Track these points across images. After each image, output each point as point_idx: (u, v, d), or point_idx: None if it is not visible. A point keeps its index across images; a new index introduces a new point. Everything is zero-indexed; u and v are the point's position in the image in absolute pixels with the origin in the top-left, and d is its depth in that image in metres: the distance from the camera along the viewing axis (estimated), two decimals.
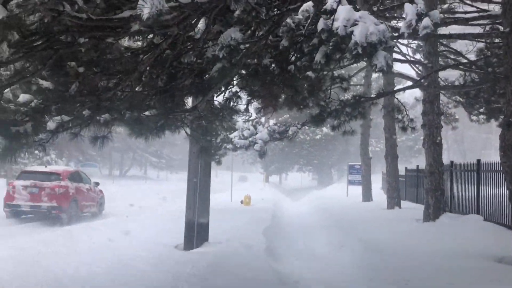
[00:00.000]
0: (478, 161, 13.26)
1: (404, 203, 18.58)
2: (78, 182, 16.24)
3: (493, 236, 10.22)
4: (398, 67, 17.38)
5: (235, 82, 7.40)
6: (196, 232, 9.39)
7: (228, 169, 26.29)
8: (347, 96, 11.03)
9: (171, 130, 7.41)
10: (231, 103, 7.55)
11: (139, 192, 30.49)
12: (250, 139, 13.19)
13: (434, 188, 12.95)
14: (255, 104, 8.17)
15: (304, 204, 26.08)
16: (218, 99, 7.51)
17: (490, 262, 7.81)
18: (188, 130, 7.64)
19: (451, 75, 18.85)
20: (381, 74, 24.78)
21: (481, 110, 19.22)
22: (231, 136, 13.80)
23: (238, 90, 7.44)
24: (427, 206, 13.02)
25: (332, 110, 10.52)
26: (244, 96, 7.63)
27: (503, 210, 11.30)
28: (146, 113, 6.93)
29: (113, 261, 7.51)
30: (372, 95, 13.96)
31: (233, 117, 7.83)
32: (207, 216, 9.63)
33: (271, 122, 13.66)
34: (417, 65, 17.80)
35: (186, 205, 9.63)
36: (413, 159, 43.19)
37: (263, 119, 13.97)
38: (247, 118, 14.26)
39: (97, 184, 18.31)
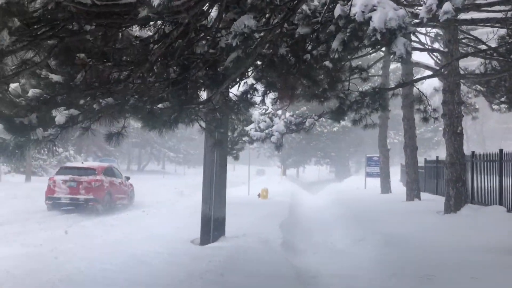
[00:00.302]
0: (501, 151, 12.92)
1: (423, 195, 18.26)
2: (111, 176, 17.68)
3: None
4: (416, 56, 17.02)
5: (250, 74, 7.22)
6: (212, 226, 9.26)
7: (245, 163, 26.21)
8: (366, 88, 10.74)
9: (185, 123, 7.26)
10: (247, 95, 7.37)
11: (156, 186, 30.52)
12: (267, 131, 13.01)
13: (455, 179, 12.65)
14: (271, 96, 7.96)
15: (322, 197, 25.85)
16: (233, 91, 7.33)
17: None
18: (203, 124, 7.48)
19: (471, 65, 18.35)
20: (399, 65, 24.38)
21: (503, 99, 18.81)
22: (247, 128, 13.64)
23: (253, 82, 7.25)
24: (448, 198, 12.73)
25: (352, 102, 10.28)
26: (260, 88, 7.44)
27: None
28: (160, 105, 6.82)
29: (127, 257, 7.41)
30: (391, 86, 13.63)
31: (249, 110, 7.64)
32: (223, 210, 9.49)
33: (288, 114, 13.42)
34: (435, 54, 17.42)
35: (202, 199, 9.50)
36: (432, 151, 42.59)
37: (279, 111, 13.77)
38: (263, 111, 14.11)
39: (128, 178, 19.77)
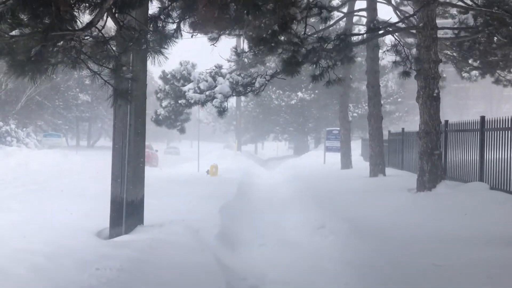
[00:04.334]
0: (482, 118, 11.05)
1: (387, 170, 16.41)
2: (150, 149, 29.03)
3: (509, 209, 8.07)
4: (382, 14, 14.91)
5: None
6: (125, 212, 6.94)
7: (207, 140, 24.44)
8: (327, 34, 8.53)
9: (63, 65, 4.88)
10: (157, 23, 5.04)
11: (101, 162, 27.65)
12: (208, 92, 10.72)
13: (430, 151, 10.71)
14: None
15: (278, 173, 23.80)
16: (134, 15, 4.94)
17: None
18: (95, 67, 5.09)
19: (446, 23, 16.46)
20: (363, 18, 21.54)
21: (476, 64, 17.10)
22: (185, 89, 11.30)
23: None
24: (422, 173, 10.80)
25: (309, 51, 8.09)
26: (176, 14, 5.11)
27: None
28: (13, 33, 4.44)
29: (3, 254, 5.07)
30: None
31: (163, 45, 5.28)
32: (140, 191, 7.17)
33: (234, 73, 11.10)
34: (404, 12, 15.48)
35: (111, 177, 7.13)
36: (394, 126, 41.02)
37: (224, 69, 11.44)
38: (205, 72, 11.78)
39: (156, 150, 32.60)
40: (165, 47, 5.28)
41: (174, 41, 5.24)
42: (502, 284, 4.29)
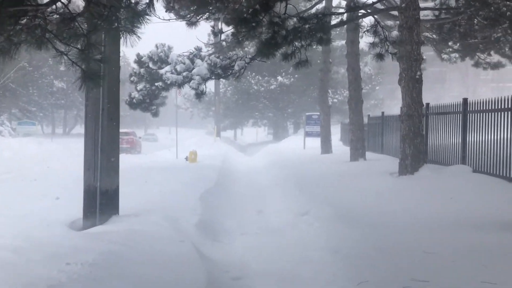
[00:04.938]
0: (465, 100, 10.92)
1: (367, 154, 16.26)
2: (134, 136, 32.00)
3: (494, 192, 7.96)
4: None
5: None
6: (98, 202, 6.58)
7: (185, 126, 24.27)
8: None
9: (27, 44, 4.48)
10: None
11: (77, 150, 26.98)
12: (185, 73, 10.34)
13: (412, 135, 10.56)
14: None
15: (258, 159, 23.55)
16: None
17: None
18: (62, 47, 4.69)
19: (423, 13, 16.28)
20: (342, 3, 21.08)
21: (456, 46, 17.01)
22: (161, 71, 10.89)
23: None
24: (404, 157, 10.64)
25: (289, 31, 7.79)
26: None
27: (501, 159, 9.07)
28: None
29: None
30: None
31: (135, 25, 4.90)
32: (115, 180, 6.80)
33: (213, 56, 10.73)
34: None
35: (84, 165, 6.75)
36: (369, 112, 40.99)
37: (203, 52, 11.07)
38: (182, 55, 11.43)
39: (140, 137, 35.25)
40: (138, 26, 4.91)
41: (147, 19, 4.87)
42: (499, 272, 4.10)
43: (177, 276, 4.41)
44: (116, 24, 4.80)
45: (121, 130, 35.70)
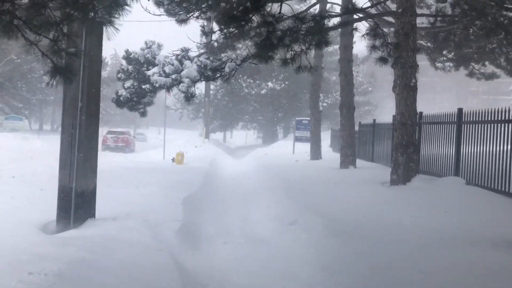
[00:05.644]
0: (460, 110, 10.64)
1: (358, 162, 15.95)
2: (128, 135, 33.09)
3: (489, 206, 7.66)
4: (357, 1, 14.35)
5: None
6: (73, 204, 6.16)
7: (175, 127, 24.01)
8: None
9: None
10: None
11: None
12: (174, 76, 9.96)
13: (405, 143, 10.24)
14: None
15: (246, 162, 23.15)
16: None
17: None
18: (32, 36, 4.28)
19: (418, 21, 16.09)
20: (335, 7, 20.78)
21: (450, 55, 16.79)
22: (149, 73, 10.50)
23: None
24: (396, 166, 10.32)
25: (284, 32, 7.44)
26: None
27: (496, 172, 8.79)
28: None
29: None
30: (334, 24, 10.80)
31: (113, 15, 4.50)
32: (92, 181, 6.39)
33: (203, 57, 10.33)
34: None
35: (59, 164, 6.32)
36: (362, 119, 40.81)
37: (192, 53, 10.68)
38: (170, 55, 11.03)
39: (134, 137, 38.02)
40: (115, 16, 4.51)
41: (127, 9, 4.48)
42: None
43: (153, 284, 4.02)
44: (92, 14, 4.40)
45: (117, 130, 35.71)
